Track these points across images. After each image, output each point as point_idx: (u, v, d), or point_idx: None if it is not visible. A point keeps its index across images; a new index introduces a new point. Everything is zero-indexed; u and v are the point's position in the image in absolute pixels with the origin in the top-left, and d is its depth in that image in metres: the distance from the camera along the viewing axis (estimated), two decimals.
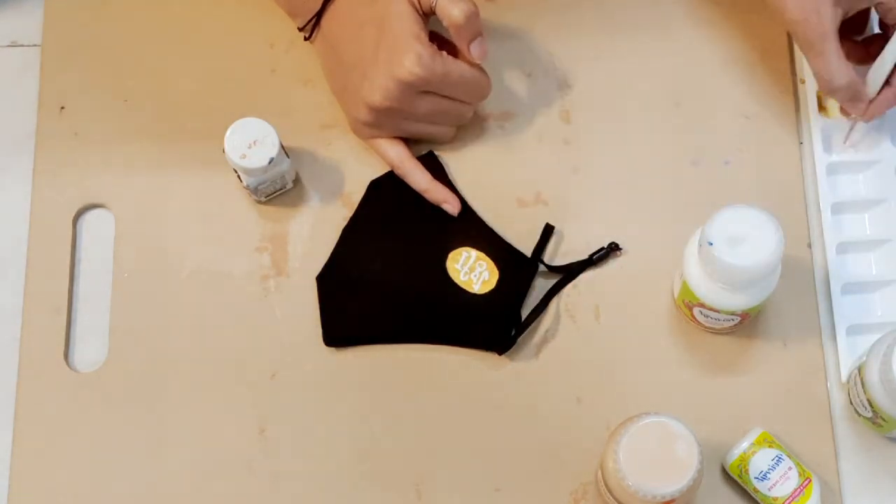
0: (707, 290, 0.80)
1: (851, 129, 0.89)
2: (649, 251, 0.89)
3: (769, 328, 0.87)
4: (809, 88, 0.91)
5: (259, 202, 0.90)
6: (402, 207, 0.89)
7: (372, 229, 0.89)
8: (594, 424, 0.85)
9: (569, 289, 0.88)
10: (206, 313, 0.88)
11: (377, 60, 0.83)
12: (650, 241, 0.89)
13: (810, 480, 0.82)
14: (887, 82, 0.85)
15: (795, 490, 0.81)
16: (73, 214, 0.90)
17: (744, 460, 0.82)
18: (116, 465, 0.85)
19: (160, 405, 0.86)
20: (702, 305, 0.82)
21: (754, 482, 0.82)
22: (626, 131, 0.91)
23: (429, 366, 0.86)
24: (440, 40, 0.86)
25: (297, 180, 0.90)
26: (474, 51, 0.83)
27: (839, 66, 0.83)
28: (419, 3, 0.82)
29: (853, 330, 0.86)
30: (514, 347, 0.86)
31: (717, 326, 0.85)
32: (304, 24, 0.89)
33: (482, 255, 0.88)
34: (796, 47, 0.93)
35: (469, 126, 0.91)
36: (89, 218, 0.91)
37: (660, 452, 0.74)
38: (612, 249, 0.88)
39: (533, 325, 0.87)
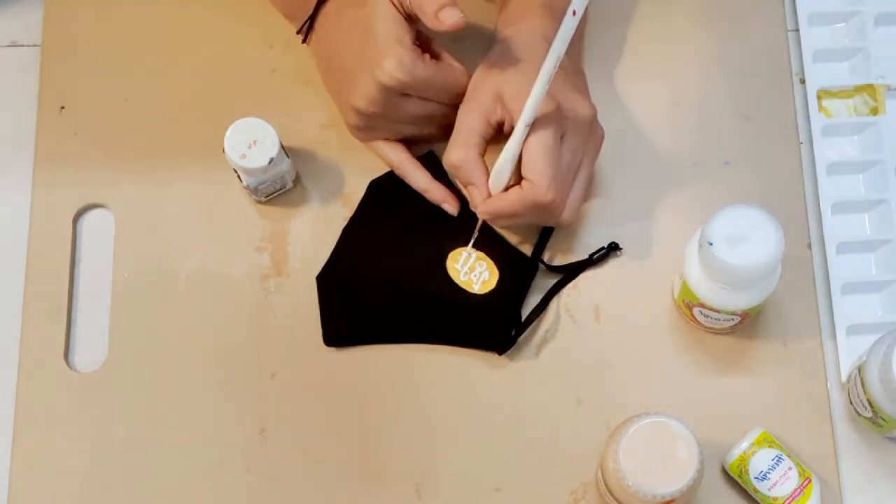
0: (707, 290, 0.80)
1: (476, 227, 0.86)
2: (649, 251, 0.89)
3: (769, 328, 0.87)
4: (809, 88, 0.91)
5: (259, 202, 0.90)
6: (402, 207, 0.89)
7: (372, 229, 0.89)
8: (594, 424, 0.85)
9: (569, 289, 0.88)
10: (206, 313, 0.88)
11: (361, 64, 0.83)
12: (650, 241, 0.89)
13: (810, 480, 0.82)
14: (518, 184, 0.82)
15: (795, 490, 0.81)
16: (73, 214, 0.90)
17: (744, 460, 0.82)
18: (116, 465, 0.85)
19: (160, 405, 0.86)
20: (702, 305, 0.82)
21: (754, 482, 0.82)
22: (626, 131, 0.91)
23: (429, 366, 0.86)
24: (427, 42, 0.86)
25: (297, 180, 0.90)
26: (443, 16, 0.79)
27: (459, 142, 0.82)
28: (402, 5, 0.82)
29: (853, 330, 0.86)
30: (514, 347, 0.86)
31: (717, 326, 0.85)
32: (300, 26, 0.89)
33: (482, 254, 0.87)
34: (795, 47, 0.93)
35: None
36: (89, 218, 0.91)
37: (660, 452, 0.74)
38: (612, 249, 0.88)
39: (533, 325, 0.87)
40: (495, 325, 0.86)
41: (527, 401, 0.86)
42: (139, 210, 0.90)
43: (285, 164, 0.87)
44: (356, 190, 0.90)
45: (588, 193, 0.88)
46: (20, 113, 0.92)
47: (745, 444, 0.82)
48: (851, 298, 0.87)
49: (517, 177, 0.82)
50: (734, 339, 0.87)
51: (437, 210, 0.88)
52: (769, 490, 0.81)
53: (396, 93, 0.83)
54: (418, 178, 0.88)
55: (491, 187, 0.83)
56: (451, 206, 0.88)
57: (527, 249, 0.88)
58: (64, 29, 0.94)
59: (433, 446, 0.85)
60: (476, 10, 0.87)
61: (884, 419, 0.81)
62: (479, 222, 0.86)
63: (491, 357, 0.87)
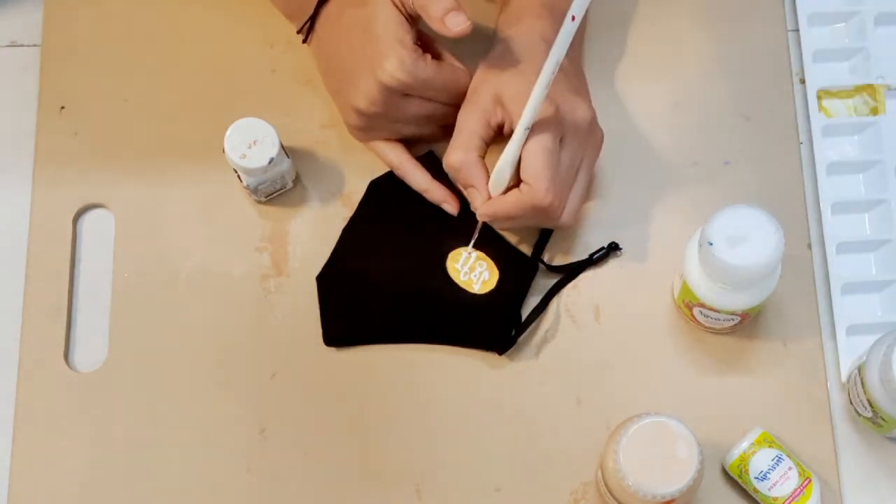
0: (707, 290, 0.80)
1: (476, 229, 0.86)
2: (649, 251, 0.89)
3: (769, 328, 0.87)
4: (809, 88, 0.91)
5: (259, 202, 0.90)
6: (402, 207, 0.89)
7: (372, 229, 0.89)
8: (594, 424, 0.85)
9: (569, 289, 0.88)
10: (206, 313, 0.88)
11: (362, 64, 0.83)
12: (650, 241, 0.89)
13: (810, 480, 0.82)
14: (517, 186, 0.82)
15: (795, 490, 0.81)
16: (73, 214, 0.90)
17: (744, 460, 0.82)
18: (116, 465, 0.85)
19: (160, 405, 0.86)
20: (702, 305, 0.82)
21: (754, 482, 0.82)
22: (626, 131, 0.91)
23: (429, 366, 0.86)
24: (428, 42, 0.86)
25: (297, 180, 0.90)
26: (450, 22, 0.79)
27: (459, 144, 0.82)
28: (404, 5, 0.82)
29: (853, 330, 0.86)
30: (514, 347, 0.86)
31: (717, 326, 0.85)
32: (300, 26, 0.89)
33: (482, 254, 0.87)
34: (795, 47, 0.93)
35: None
36: (89, 218, 0.91)
37: (660, 452, 0.74)
38: (612, 249, 0.88)
39: (533, 325, 0.87)
40: (495, 325, 0.86)
41: (527, 401, 0.86)
42: (139, 210, 0.90)
43: (285, 164, 0.87)
44: (356, 190, 0.90)
45: (587, 196, 0.88)
46: (20, 113, 0.92)
47: (745, 444, 0.82)
48: (851, 298, 0.87)
49: (517, 179, 0.82)
50: (734, 339, 0.87)
51: (436, 210, 0.88)
52: (769, 490, 0.81)
53: (398, 93, 0.83)
54: (418, 179, 0.88)
55: (491, 190, 0.83)
56: (450, 206, 0.88)
57: (527, 249, 0.88)
58: (64, 29, 0.94)
59: (433, 446, 0.85)
60: (476, 10, 0.87)
61: (884, 419, 0.81)
62: (479, 224, 0.86)
63: (491, 357, 0.87)
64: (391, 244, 0.88)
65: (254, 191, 0.87)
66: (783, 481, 0.81)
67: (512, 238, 0.88)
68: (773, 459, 0.82)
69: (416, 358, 0.87)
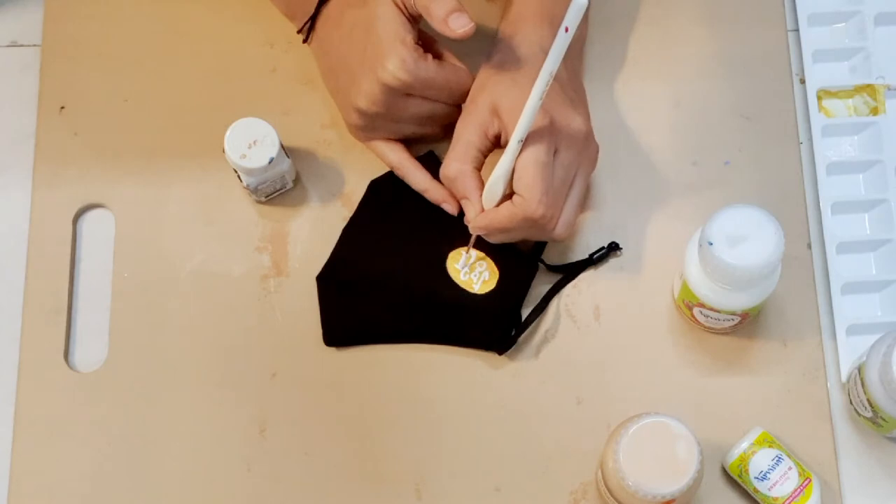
0: (707, 290, 0.80)
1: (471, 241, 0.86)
2: (649, 251, 0.89)
3: (769, 328, 0.87)
4: (809, 88, 0.91)
5: (259, 202, 0.90)
6: (402, 207, 0.89)
7: (372, 229, 0.89)
8: (594, 424, 0.85)
9: (569, 289, 0.88)
10: (206, 313, 0.88)
11: (363, 64, 0.83)
12: (650, 241, 0.89)
13: (810, 480, 0.82)
14: (509, 197, 0.82)
15: (795, 490, 0.81)
16: (73, 214, 0.90)
17: (744, 460, 0.82)
18: (116, 465, 0.85)
19: (160, 405, 0.86)
20: (702, 305, 0.82)
21: (754, 482, 0.82)
22: (626, 131, 0.91)
23: (429, 366, 0.86)
24: (429, 42, 0.86)
25: (297, 180, 0.90)
26: (454, 24, 0.79)
27: (455, 155, 0.82)
28: (405, 5, 0.82)
29: (853, 330, 0.86)
30: (514, 347, 0.86)
31: (717, 326, 0.85)
32: (301, 26, 0.89)
33: (482, 254, 0.87)
34: (796, 47, 0.93)
35: None
36: (89, 218, 0.91)
37: (660, 452, 0.74)
38: (612, 249, 0.88)
39: (533, 325, 0.87)
40: (495, 325, 0.86)
41: (527, 401, 0.86)
42: (139, 210, 0.90)
43: (285, 164, 0.87)
44: (356, 190, 0.90)
45: (582, 208, 0.87)
46: (20, 113, 0.92)
47: (745, 444, 0.82)
48: (851, 298, 0.87)
49: (511, 191, 0.82)
50: (734, 339, 0.87)
51: (436, 210, 0.88)
52: (769, 490, 0.81)
53: (399, 92, 0.83)
54: (418, 178, 0.88)
55: (484, 202, 0.83)
56: (450, 206, 0.88)
57: (526, 249, 0.88)
58: (64, 29, 0.94)
59: (433, 446, 0.85)
60: (477, 10, 0.87)
61: (884, 419, 0.81)
62: (473, 238, 0.86)
63: (491, 357, 0.87)
64: (391, 244, 0.88)
65: (254, 191, 0.87)
66: (783, 481, 0.81)
67: None
68: (773, 459, 0.82)
69: (416, 358, 0.87)
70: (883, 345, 0.78)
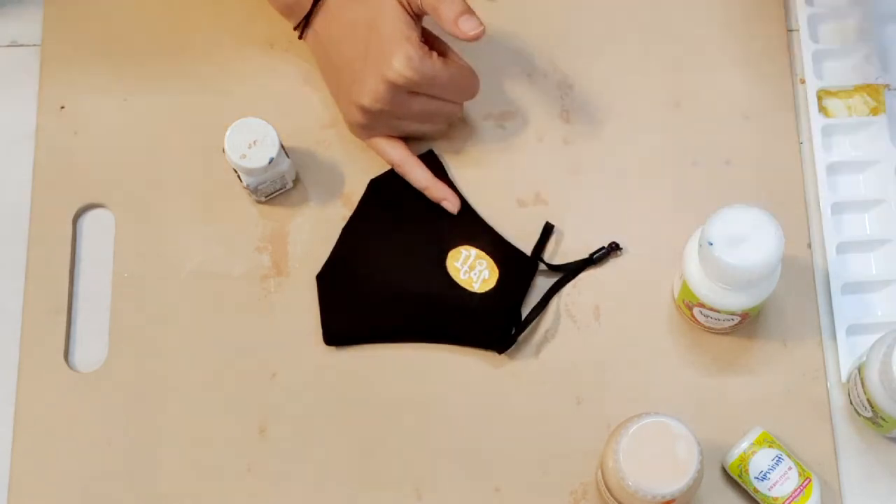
0: (707, 290, 0.80)
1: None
2: (649, 251, 0.89)
3: (769, 328, 0.87)
4: (809, 88, 0.91)
5: (259, 202, 0.90)
6: (403, 206, 0.89)
7: (372, 228, 0.89)
8: (594, 424, 0.85)
9: (569, 288, 0.88)
10: (206, 313, 0.88)
11: (367, 62, 0.83)
12: (650, 241, 0.89)
13: (810, 480, 0.82)
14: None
15: (795, 490, 0.81)
16: (73, 214, 0.90)
17: (744, 460, 0.82)
18: (116, 465, 0.85)
19: (160, 405, 0.86)
20: (702, 305, 0.82)
21: (754, 482, 0.82)
22: (627, 131, 0.91)
23: (429, 365, 0.86)
24: (432, 40, 0.86)
25: (297, 180, 0.90)
26: (464, 26, 0.80)
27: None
28: (408, 3, 0.82)
29: (853, 330, 0.86)
30: (514, 347, 0.86)
31: (717, 326, 0.85)
32: (297, 22, 0.88)
33: (482, 253, 0.88)
34: (796, 47, 0.93)
35: (469, 126, 0.91)
36: (89, 218, 0.91)
37: (660, 452, 0.74)
38: (612, 249, 0.88)
39: (533, 324, 0.87)
40: (495, 324, 0.86)
41: (527, 400, 0.86)
42: (139, 210, 0.90)
43: (285, 164, 0.87)
44: (356, 190, 0.90)
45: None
46: (20, 113, 0.92)
47: (745, 444, 0.82)
48: (851, 298, 0.87)
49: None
50: (734, 339, 0.87)
51: (437, 209, 0.88)
52: (769, 490, 0.81)
53: (404, 90, 0.83)
54: (419, 176, 0.88)
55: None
56: (451, 204, 0.88)
57: (527, 248, 0.88)
58: (64, 29, 0.94)
59: (433, 446, 0.85)
60: (477, 10, 0.87)
61: (884, 419, 0.81)
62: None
63: (491, 357, 0.87)
64: (391, 243, 0.88)
65: (254, 191, 0.87)
66: (783, 481, 0.81)
67: (512, 237, 0.88)
68: (773, 459, 0.82)
69: (416, 357, 0.87)
70: (883, 345, 0.78)
